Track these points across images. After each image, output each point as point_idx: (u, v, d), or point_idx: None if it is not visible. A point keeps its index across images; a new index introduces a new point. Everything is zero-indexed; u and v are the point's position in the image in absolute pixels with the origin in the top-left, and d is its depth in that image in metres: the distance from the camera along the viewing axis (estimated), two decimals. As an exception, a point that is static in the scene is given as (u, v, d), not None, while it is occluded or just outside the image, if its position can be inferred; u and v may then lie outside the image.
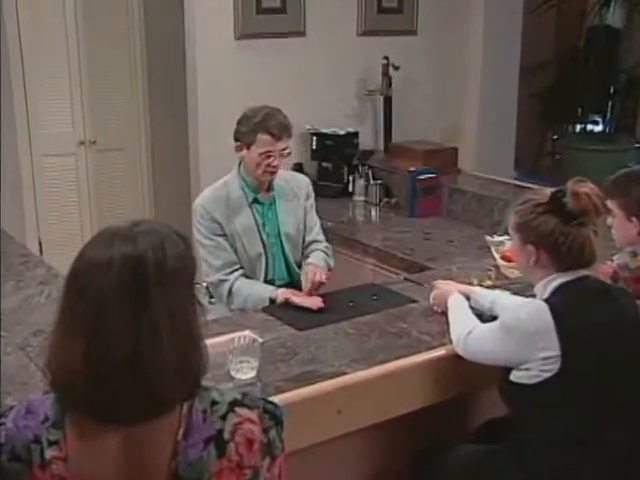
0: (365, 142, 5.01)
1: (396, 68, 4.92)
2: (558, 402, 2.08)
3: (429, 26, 5.22)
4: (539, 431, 2.13)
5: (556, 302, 2.09)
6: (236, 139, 3.03)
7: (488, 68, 5.37)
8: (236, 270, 3.05)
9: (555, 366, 2.04)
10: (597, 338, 2.08)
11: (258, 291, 2.98)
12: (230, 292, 3.01)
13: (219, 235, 3.03)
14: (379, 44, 4.96)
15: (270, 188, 3.12)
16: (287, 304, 2.83)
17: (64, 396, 1.31)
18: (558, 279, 2.14)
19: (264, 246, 3.09)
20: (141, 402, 1.28)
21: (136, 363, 1.26)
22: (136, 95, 5.48)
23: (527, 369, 2.08)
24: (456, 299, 2.52)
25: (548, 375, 2.05)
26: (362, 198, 4.70)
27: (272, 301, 2.90)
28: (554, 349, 2.03)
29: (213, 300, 2.82)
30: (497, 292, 2.68)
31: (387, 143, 5.04)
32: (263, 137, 2.94)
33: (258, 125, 2.95)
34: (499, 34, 5.39)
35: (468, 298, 2.56)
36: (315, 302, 2.77)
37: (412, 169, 4.40)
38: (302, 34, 4.78)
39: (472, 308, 2.49)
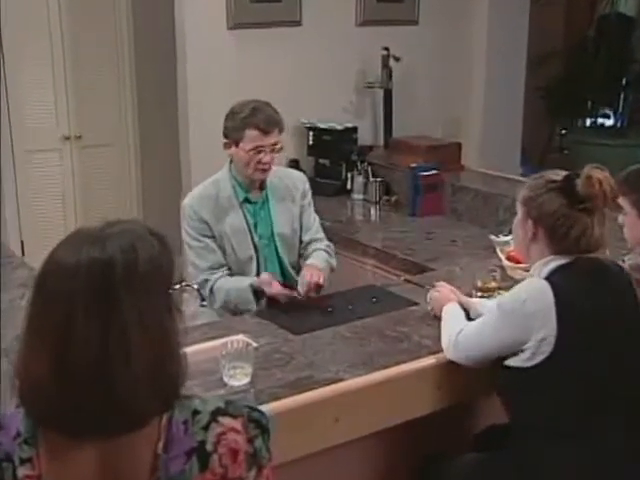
0: (364, 137, 5.03)
1: (397, 59, 4.94)
2: (552, 387, 2.10)
3: (431, 15, 5.24)
4: (535, 421, 2.15)
5: (556, 282, 2.12)
6: (224, 135, 3.03)
7: (493, 59, 5.39)
8: (224, 273, 3.06)
9: (549, 348, 2.07)
10: (593, 321, 2.11)
11: (238, 281, 3.00)
12: (211, 291, 3.02)
13: (207, 236, 3.04)
14: (379, 34, 4.98)
15: (263, 186, 3.12)
16: (280, 304, 2.87)
17: (33, 410, 1.30)
18: (553, 262, 2.18)
19: (255, 248, 3.10)
20: (112, 416, 1.26)
21: (104, 374, 1.24)
22: (124, 88, 5.49)
23: (522, 351, 2.11)
24: (451, 307, 2.52)
25: (542, 358, 2.08)
26: (361, 196, 4.72)
27: (255, 291, 2.93)
28: (551, 329, 2.06)
29: (205, 303, 2.83)
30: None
31: (387, 138, 5.06)
32: (251, 133, 2.94)
33: (245, 120, 2.95)
34: (505, 24, 5.40)
35: (468, 312, 2.57)
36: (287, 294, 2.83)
37: (413, 165, 4.41)
38: (298, 24, 4.80)
39: (473, 320, 2.48)
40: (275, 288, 2.89)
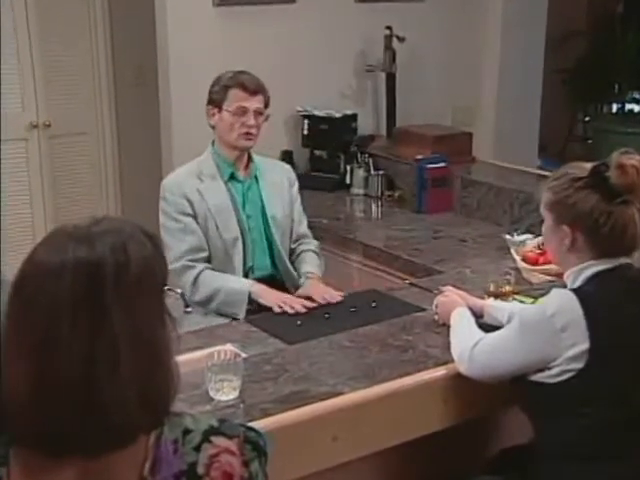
0: (365, 126, 5.05)
1: (401, 40, 4.95)
2: (581, 405, 2.12)
3: (439, -10, 5.26)
4: (561, 441, 2.17)
5: (588, 291, 2.13)
6: (208, 103, 3.18)
7: (509, 39, 5.40)
8: (203, 258, 3.12)
9: (580, 365, 2.08)
10: (628, 334, 2.13)
11: (234, 282, 3.07)
12: (196, 280, 3.08)
13: (187, 214, 3.12)
14: (381, 12, 5.00)
15: (249, 165, 3.23)
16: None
17: (7, 426, 1.30)
18: (594, 267, 2.17)
19: (241, 229, 3.17)
20: (97, 432, 1.27)
21: (91, 387, 1.25)
22: (98, 70, 5.46)
23: (549, 368, 2.12)
24: (461, 313, 2.53)
25: (571, 375, 2.09)
26: (361, 191, 4.73)
27: (250, 300, 2.99)
28: (583, 343, 2.07)
29: (189, 309, 2.86)
30: (515, 303, 2.72)
31: (390, 127, 5.07)
32: (235, 92, 3.12)
33: (229, 80, 3.14)
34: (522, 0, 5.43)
35: (481, 315, 2.60)
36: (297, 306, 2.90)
37: (419, 157, 4.42)
38: (292, 0, 4.81)
39: (487, 325, 2.51)
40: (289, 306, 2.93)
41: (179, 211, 3.13)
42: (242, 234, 3.18)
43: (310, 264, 3.27)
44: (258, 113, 3.13)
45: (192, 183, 3.15)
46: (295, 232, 3.34)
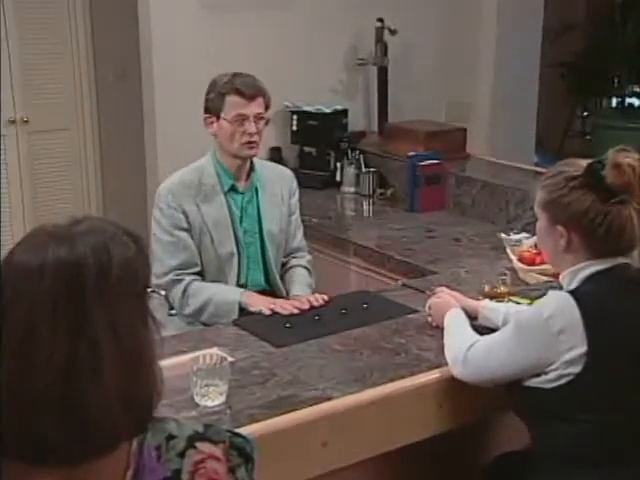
0: (355, 122, 5.07)
1: (393, 32, 4.96)
2: (580, 410, 2.12)
3: (433, -19, 5.27)
4: (560, 448, 2.17)
5: (585, 292, 2.14)
6: (205, 111, 3.10)
7: (505, 32, 5.41)
8: (193, 273, 3.10)
9: (577, 369, 2.09)
10: (629, 335, 2.13)
11: (222, 290, 3.06)
12: (184, 293, 3.06)
13: (182, 229, 3.09)
14: (372, 3, 5.00)
15: (251, 175, 3.18)
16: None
17: None
18: (591, 267, 2.18)
19: (237, 244, 3.15)
20: (79, 439, 1.26)
21: (71, 393, 1.25)
22: (79, 65, 5.47)
23: (545, 373, 2.13)
24: (455, 314, 2.53)
25: (568, 379, 2.10)
26: (352, 189, 4.74)
27: (241, 309, 2.97)
28: (581, 346, 2.08)
29: (173, 312, 2.86)
30: (511, 305, 2.73)
31: (382, 123, 5.08)
32: (232, 99, 3.03)
33: (225, 86, 3.05)
34: (518, -10, 5.45)
35: (476, 317, 2.60)
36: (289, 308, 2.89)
37: (412, 154, 4.43)
38: (279, -9, 4.82)
39: (482, 327, 2.52)
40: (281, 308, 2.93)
41: (174, 225, 3.08)
42: (238, 249, 3.15)
43: (299, 283, 3.24)
44: (259, 118, 3.07)
45: (190, 194, 3.09)
46: (289, 245, 3.31)
